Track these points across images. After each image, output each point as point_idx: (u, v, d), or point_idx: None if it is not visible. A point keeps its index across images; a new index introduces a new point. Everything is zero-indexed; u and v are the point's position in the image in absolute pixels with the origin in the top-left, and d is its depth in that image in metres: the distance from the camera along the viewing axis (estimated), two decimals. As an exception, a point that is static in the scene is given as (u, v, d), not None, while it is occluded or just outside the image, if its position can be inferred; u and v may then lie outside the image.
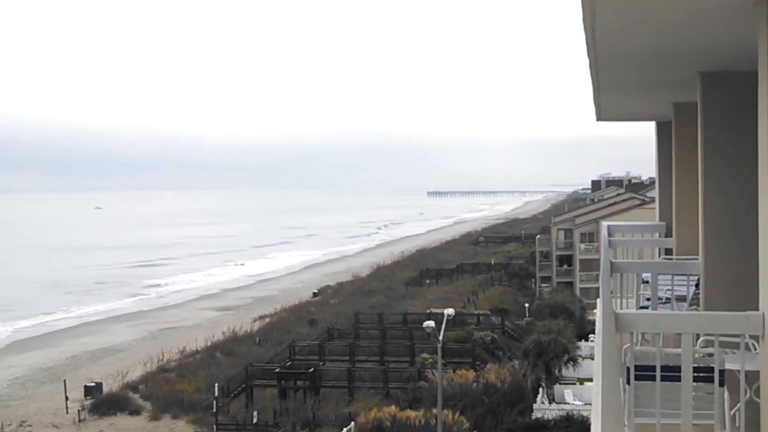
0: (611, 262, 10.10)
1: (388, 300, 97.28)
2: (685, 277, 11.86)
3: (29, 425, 55.96)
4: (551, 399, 52.95)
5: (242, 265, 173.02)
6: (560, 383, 55.52)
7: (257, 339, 78.99)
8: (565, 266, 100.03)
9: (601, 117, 15.69)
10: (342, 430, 46.54)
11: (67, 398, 60.20)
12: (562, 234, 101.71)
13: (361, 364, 62.09)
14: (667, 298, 12.05)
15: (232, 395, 58.42)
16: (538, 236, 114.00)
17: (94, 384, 63.70)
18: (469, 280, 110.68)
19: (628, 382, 6.86)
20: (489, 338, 67.01)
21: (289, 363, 61.66)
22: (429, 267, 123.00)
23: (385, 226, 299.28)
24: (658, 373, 6.69)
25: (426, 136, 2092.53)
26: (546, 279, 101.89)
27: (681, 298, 12.01)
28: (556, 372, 54.35)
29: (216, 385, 55.45)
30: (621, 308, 10.94)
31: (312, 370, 58.78)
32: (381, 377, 58.31)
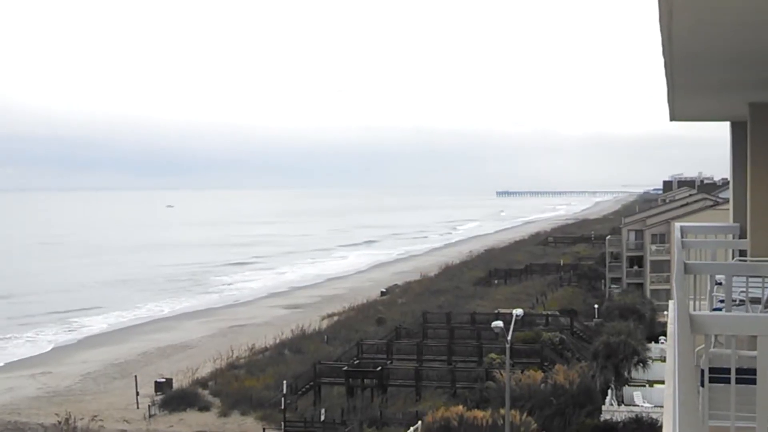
0: (685, 263, 9.99)
1: (456, 300, 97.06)
2: (759, 279, 11.71)
3: (101, 419, 56.66)
4: (620, 401, 52.51)
5: (312, 263, 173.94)
6: (629, 385, 55.03)
7: (325, 337, 79.29)
8: (636, 267, 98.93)
9: (674, 117, 15.52)
10: (409, 429, 46.52)
11: (137, 393, 60.97)
12: (632, 235, 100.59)
13: (428, 364, 62.06)
14: (741, 300, 11.90)
15: (300, 393, 58.71)
16: (608, 237, 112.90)
17: (164, 380, 64.41)
18: (538, 280, 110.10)
19: (702, 385, 6.80)
20: (557, 339, 66.60)
21: (357, 361, 61.81)
22: (498, 267, 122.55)
23: (459, 225, 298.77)
24: (733, 376, 6.62)
25: (495, 136, 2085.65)
26: (616, 280, 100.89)
27: (755, 301, 11.85)
28: (626, 374, 53.86)
29: (284, 382, 55.74)
30: (694, 310, 10.82)
31: (379, 368, 58.87)
32: (448, 377, 58.23)
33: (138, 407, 59.51)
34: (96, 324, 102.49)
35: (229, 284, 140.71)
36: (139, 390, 61.25)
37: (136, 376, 64.26)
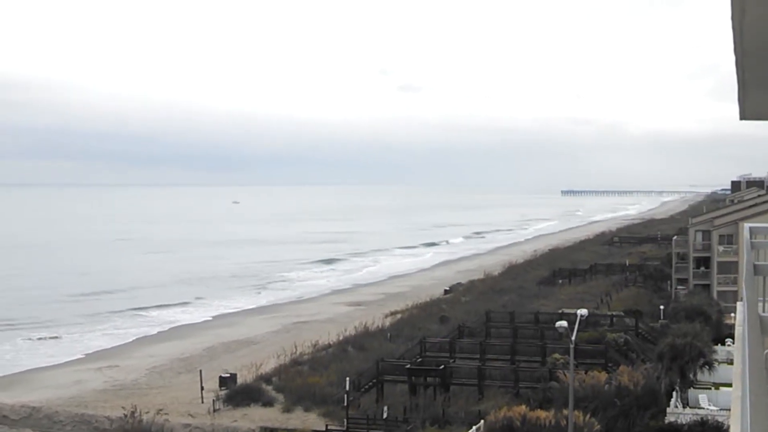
0: (754, 265, 9.82)
1: (519, 299, 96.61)
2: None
3: (166, 413, 57.24)
4: (685, 403, 51.83)
5: (376, 261, 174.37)
6: (695, 387, 54.31)
7: (388, 334, 79.32)
8: (702, 268, 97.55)
9: (744, 116, 15.23)
10: (471, 428, 46.40)
11: (202, 388, 61.45)
12: (699, 236, 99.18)
13: (491, 363, 61.83)
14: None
15: (363, 390, 58.81)
16: (674, 237, 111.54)
17: (228, 375, 64.89)
18: (603, 280, 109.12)
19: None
20: (622, 340, 65.94)
21: (420, 359, 61.76)
22: (562, 267, 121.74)
23: (526, 224, 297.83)
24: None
25: (561, 134, 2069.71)
26: (682, 281, 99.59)
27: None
28: (691, 376, 53.14)
29: (347, 379, 55.87)
30: (764, 312, 10.64)
31: (442, 367, 58.76)
32: (511, 376, 57.95)
33: (203, 402, 60.02)
34: (162, 319, 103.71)
35: (293, 280, 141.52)
36: (203, 385, 61.73)
37: (201, 371, 64.79)
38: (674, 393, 51.64)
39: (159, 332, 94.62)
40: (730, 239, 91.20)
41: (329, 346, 76.16)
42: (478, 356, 63.70)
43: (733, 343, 8.12)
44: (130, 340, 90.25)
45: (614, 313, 76.97)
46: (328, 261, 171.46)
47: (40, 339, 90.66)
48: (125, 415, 54.56)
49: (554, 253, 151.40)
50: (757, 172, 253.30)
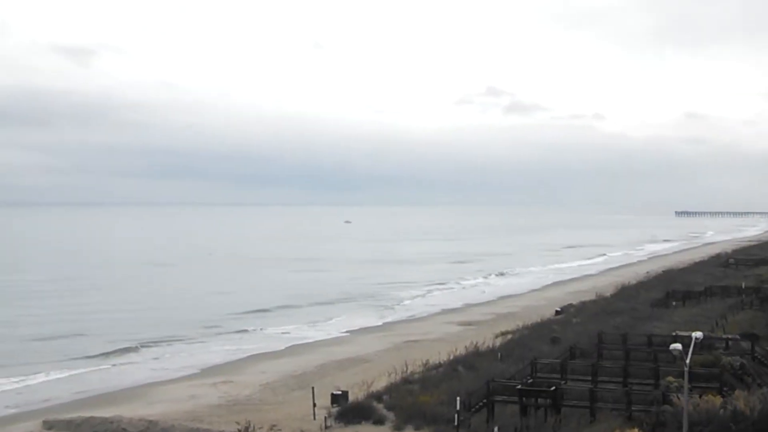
0: None
1: (632, 321, 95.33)
2: None
3: (278, 429, 58.00)
4: (804, 430, 50.62)
5: (485, 280, 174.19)
6: (814, 414, 53.01)
7: (499, 354, 79.07)
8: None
9: None
10: (583, 450, 46.16)
11: (314, 405, 62.12)
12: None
13: (603, 385, 61.24)
14: None
15: (474, 410, 58.79)
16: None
17: (340, 392, 65.42)
18: (718, 303, 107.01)
19: None
20: (738, 364, 64.65)
21: (531, 380, 61.48)
22: (676, 288, 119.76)
23: (641, 244, 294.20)
24: None
25: (673, 154, 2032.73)
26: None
27: None
28: (811, 402, 51.90)
29: (458, 398, 55.96)
30: None
31: (554, 388, 58.42)
32: (624, 399, 57.29)
33: (314, 418, 60.66)
34: (275, 336, 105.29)
35: (404, 300, 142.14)
36: (316, 401, 62.41)
37: (313, 388, 65.51)
38: (792, 419, 50.46)
39: (272, 349, 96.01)
40: None
41: (440, 365, 76.27)
42: (589, 378, 63.13)
43: None
44: (244, 356, 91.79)
45: (730, 336, 75.45)
46: (439, 281, 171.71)
47: (156, 356, 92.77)
48: (239, 431, 55.59)
49: (668, 275, 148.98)
50: None
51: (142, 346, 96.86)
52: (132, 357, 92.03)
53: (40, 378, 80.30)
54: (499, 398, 59.22)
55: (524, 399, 58.12)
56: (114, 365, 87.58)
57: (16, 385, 77.46)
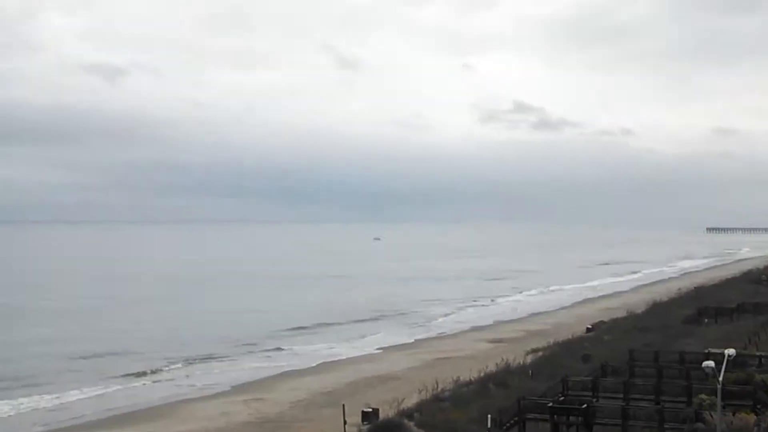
0: None
1: (664, 338, 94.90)
2: None
3: (310, 446, 58.41)
4: (839, 448, 50.31)
5: (514, 297, 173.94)
6: None
7: (530, 372, 78.92)
8: None
9: None
10: (615, 468, 46.05)
11: (345, 422, 62.24)
12: None
13: (635, 402, 61.05)
14: None
15: (505, 427, 58.74)
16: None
17: (371, 410, 65.50)
18: (751, 320, 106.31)
19: None
20: (772, 381, 64.32)
21: (562, 398, 61.42)
22: (708, 305, 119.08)
23: (672, 260, 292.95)
24: None
25: (704, 170, 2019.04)
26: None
27: None
28: None
29: (489, 416, 55.99)
30: None
31: (585, 406, 58.33)
32: (656, 416, 57.11)
33: (345, 436, 60.85)
34: (305, 353, 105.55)
35: (435, 317, 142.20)
36: (346, 419, 62.54)
37: (344, 405, 65.64)
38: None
39: (303, 366, 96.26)
40: None
41: (470, 382, 76.22)
42: (621, 395, 62.95)
43: None
44: (275, 373, 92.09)
45: (763, 353, 75.03)
46: (469, 298, 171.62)
47: (188, 374, 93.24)
48: (271, 448, 55.88)
49: (700, 291, 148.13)
50: None
51: (173, 364, 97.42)
52: (164, 374, 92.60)
53: (75, 396, 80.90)
54: (530, 416, 59.16)
55: (556, 417, 58.06)
56: (145, 383, 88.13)
57: (50, 403, 78.13)
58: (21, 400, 78.85)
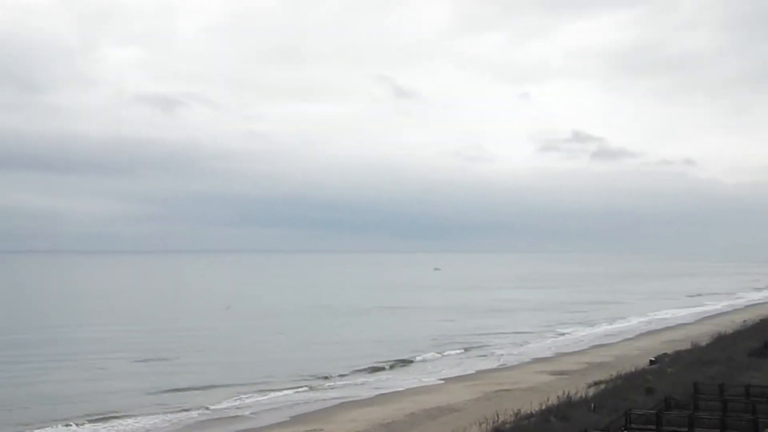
0: None
1: (728, 371, 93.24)
2: None
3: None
4: None
5: (577, 329, 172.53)
6: None
7: (592, 405, 77.91)
8: None
9: None
10: (680, 503, 45.24)
11: (406, 453, 62.18)
12: None
13: (700, 437, 60.07)
14: None
15: (567, 460, 58.16)
16: None
17: (430, 441, 65.32)
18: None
19: None
20: (841, 416, 62.93)
21: (625, 431, 60.64)
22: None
23: (737, 292, 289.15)
24: None
25: (763, 196, 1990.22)
26: None
27: None
28: None
29: (550, 449, 55.49)
30: None
31: (648, 439, 57.53)
32: (721, 451, 56.17)
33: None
34: (365, 383, 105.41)
35: (494, 348, 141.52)
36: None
37: (403, 437, 65.53)
38: None
39: (361, 397, 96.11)
40: None
41: (531, 415, 75.44)
42: (686, 429, 61.91)
43: None
44: (334, 404, 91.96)
45: (832, 387, 73.50)
46: (530, 329, 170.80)
47: (250, 405, 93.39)
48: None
49: (766, 324, 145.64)
50: None
51: (235, 395, 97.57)
52: (225, 404, 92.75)
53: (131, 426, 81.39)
54: (593, 449, 58.46)
55: (619, 450, 57.29)
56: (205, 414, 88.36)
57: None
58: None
